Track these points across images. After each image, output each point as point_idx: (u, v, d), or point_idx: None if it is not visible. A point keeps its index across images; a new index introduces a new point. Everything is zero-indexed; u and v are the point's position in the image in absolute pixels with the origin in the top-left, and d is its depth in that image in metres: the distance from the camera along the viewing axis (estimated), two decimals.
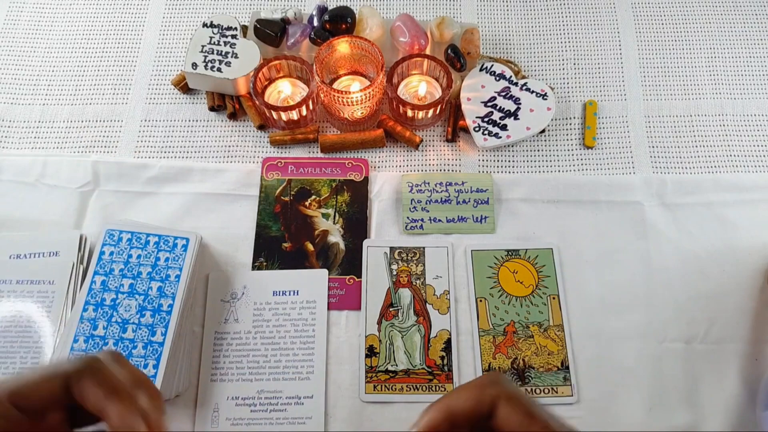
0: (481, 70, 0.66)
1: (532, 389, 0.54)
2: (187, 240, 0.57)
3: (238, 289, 0.58)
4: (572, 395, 0.54)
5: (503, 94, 0.65)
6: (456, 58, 0.66)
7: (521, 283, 0.59)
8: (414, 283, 0.59)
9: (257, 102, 0.63)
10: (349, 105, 0.62)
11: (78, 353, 0.52)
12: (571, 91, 0.69)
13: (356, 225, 0.61)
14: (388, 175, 0.64)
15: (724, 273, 0.59)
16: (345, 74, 0.67)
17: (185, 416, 0.53)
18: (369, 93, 0.61)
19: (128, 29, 0.73)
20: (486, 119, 0.64)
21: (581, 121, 0.68)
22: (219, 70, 0.64)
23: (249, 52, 0.65)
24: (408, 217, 0.61)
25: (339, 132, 0.66)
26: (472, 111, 0.64)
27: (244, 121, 0.67)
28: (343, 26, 0.66)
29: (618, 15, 0.74)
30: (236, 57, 0.65)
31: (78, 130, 0.66)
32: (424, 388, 0.55)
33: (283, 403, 0.53)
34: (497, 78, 0.66)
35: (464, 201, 0.62)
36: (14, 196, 0.62)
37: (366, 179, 0.63)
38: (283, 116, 0.63)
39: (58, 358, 0.52)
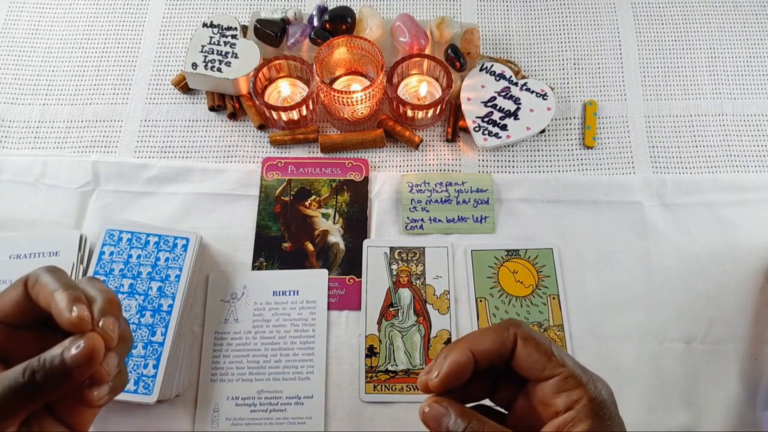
0: (481, 70, 0.66)
1: None
2: (187, 240, 0.57)
3: (238, 289, 0.58)
4: None
5: (503, 94, 0.65)
6: (456, 58, 0.66)
7: (521, 283, 0.59)
8: (414, 283, 0.59)
9: (257, 102, 0.63)
10: (349, 105, 0.62)
11: None
12: (571, 91, 0.69)
13: (356, 225, 0.61)
14: (388, 175, 0.64)
15: (724, 273, 0.59)
16: (345, 74, 0.67)
17: (185, 416, 0.53)
18: (369, 93, 0.61)
19: (128, 29, 0.73)
20: (486, 119, 0.64)
21: (581, 121, 0.68)
22: (219, 70, 0.64)
23: (249, 52, 0.65)
24: (408, 217, 0.61)
25: (339, 132, 0.66)
26: (472, 111, 0.64)
27: (244, 121, 0.67)
28: (343, 26, 0.66)
29: (618, 15, 0.74)
30: (236, 57, 0.65)
31: (78, 130, 0.66)
32: None
33: (283, 403, 0.53)
34: (497, 78, 0.66)
35: (464, 201, 0.62)
36: (14, 196, 0.62)
37: (366, 179, 0.63)
38: (283, 116, 0.63)
39: None
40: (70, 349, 0.30)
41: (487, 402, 0.37)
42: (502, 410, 0.37)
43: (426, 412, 0.32)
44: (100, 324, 0.32)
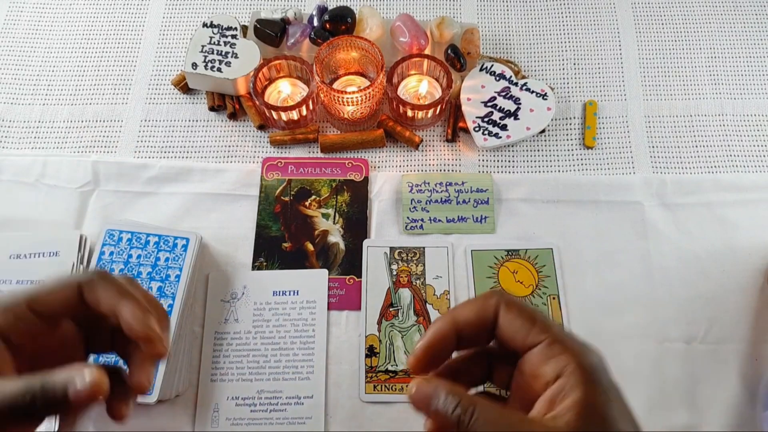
0: (481, 70, 0.66)
1: None
2: (187, 240, 0.57)
3: (238, 289, 0.58)
4: None
5: (503, 94, 0.65)
6: (456, 58, 0.66)
7: (521, 283, 0.59)
8: (414, 283, 0.59)
9: (257, 102, 0.63)
10: (349, 105, 0.62)
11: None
12: (571, 91, 0.69)
13: (356, 225, 0.61)
14: (388, 175, 0.64)
15: (724, 273, 0.59)
16: (345, 74, 0.67)
17: (185, 416, 0.53)
18: (369, 93, 0.61)
19: (128, 29, 0.73)
20: (486, 119, 0.64)
21: (581, 121, 0.68)
22: (219, 70, 0.64)
23: (249, 52, 0.65)
24: (408, 217, 0.61)
25: (339, 132, 0.66)
26: (472, 111, 0.64)
27: (244, 121, 0.67)
28: (343, 26, 0.66)
29: (618, 15, 0.74)
30: (236, 57, 0.65)
31: (78, 130, 0.66)
32: None
33: (283, 403, 0.53)
34: (497, 78, 0.66)
35: (464, 201, 0.62)
36: (14, 196, 0.62)
37: (366, 179, 0.63)
38: (283, 116, 0.63)
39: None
40: (75, 383, 0.30)
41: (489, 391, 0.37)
42: (503, 395, 0.35)
43: (413, 393, 0.30)
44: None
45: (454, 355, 0.34)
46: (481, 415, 0.28)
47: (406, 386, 0.54)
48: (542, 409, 0.29)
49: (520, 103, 0.65)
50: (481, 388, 0.36)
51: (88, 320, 0.36)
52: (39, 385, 0.30)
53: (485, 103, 0.65)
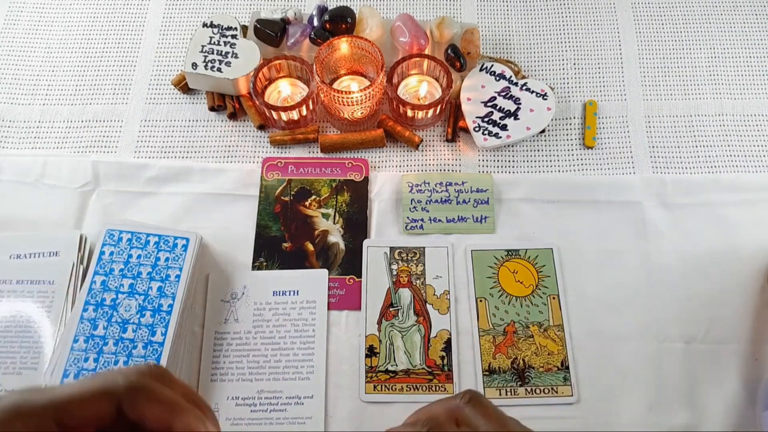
0: (481, 70, 0.66)
1: (532, 389, 0.54)
2: (187, 240, 0.57)
3: (238, 289, 0.58)
4: (572, 395, 0.54)
5: (503, 94, 0.65)
6: (456, 58, 0.66)
7: (521, 283, 0.59)
8: (414, 283, 0.59)
9: (257, 102, 0.63)
10: (349, 105, 0.62)
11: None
12: (571, 91, 0.69)
13: (356, 225, 0.61)
14: (388, 175, 0.64)
15: (724, 273, 0.59)
16: (345, 74, 0.67)
17: None
18: (369, 93, 0.61)
19: (128, 29, 0.73)
20: (486, 119, 0.64)
21: (581, 121, 0.68)
22: (219, 70, 0.64)
23: (249, 52, 0.65)
24: (408, 217, 0.61)
25: (339, 132, 0.66)
26: (472, 111, 0.64)
27: (244, 121, 0.67)
28: (343, 26, 0.66)
29: (618, 15, 0.74)
30: (236, 57, 0.65)
31: (78, 130, 0.66)
32: (424, 388, 0.54)
33: (283, 403, 0.53)
34: (497, 78, 0.66)
35: (464, 201, 0.62)
36: (14, 196, 0.62)
37: (366, 179, 0.63)
38: (283, 116, 0.63)
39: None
40: None
41: None
42: None
43: None
44: None
45: None
46: None
47: (406, 386, 0.55)
48: None
49: (520, 103, 0.65)
50: None
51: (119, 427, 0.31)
52: None
53: (485, 103, 0.65)
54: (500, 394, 0.54)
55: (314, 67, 0.61)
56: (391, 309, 0.58)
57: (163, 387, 0.31)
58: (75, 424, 0.28)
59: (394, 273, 0.59)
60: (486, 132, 0.63)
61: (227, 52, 0.65)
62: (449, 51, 0.66)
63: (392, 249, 0.60)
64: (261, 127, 0.66)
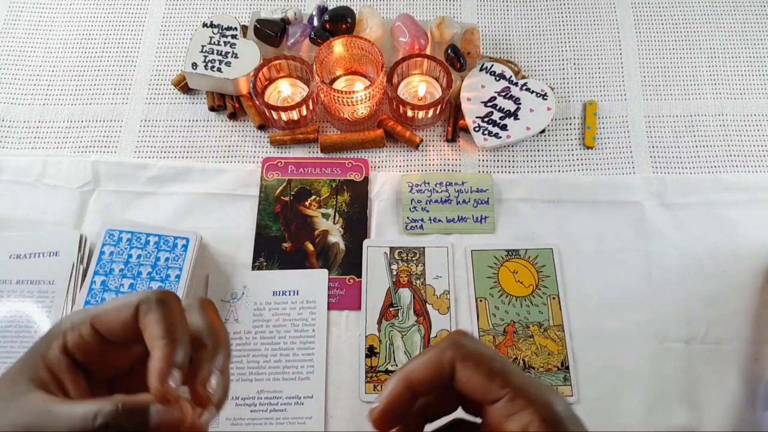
0: (481, 70, 0.66)
1: None
2: (187, 240, 0.57)
3: (238, 289, 0.58)
4: (572, 395, 0.54)
5: (503, 94, 0.65)
6: (456, 58, 0.66)
7: (521, 283, 0.59)
8: (414, 283, 0.59)
9: (257, 102, 0.63)
10: (349, 105, 0.62)
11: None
12: (571, 91, 0.69)
13: (356, 225, 0.61)
14: (388, 175, 0.64)
15: (724, 273, 0.59)
16: (345, 74, 0.67)
17: None
18: (369, 93, 0.61)
19: (128, 29, 0.73)
20: (486, 119, 0.64)
21: (581, 121, 0.68)
22: (219, 70, 0.64)
23: (249, 52, 0.65)
24: (408, 217, 0.61)
25: (339, 132, 0.66)
26: (472, 111, 0.64)
27: (244, 121, 0.67)
28: (343, 26, 0.66)
29: (618, 15, 0.74)
30: (236, 57, 0.65)
31: (78, 130, 0.66)
32: None
33: (283, 403, 0.53)
34: (497, 78, 0.66)
35: (464, 201, 0.62)
36: (14, 196, 0.62)
37: (366, 179, 0.63)
38: (283, 116, 0.63)
39: None
40: (158, 407, 0.27)
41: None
42: (476, 420, 0.34)
43: None
44: (206, 385, 0.29)
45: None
46: None
47: None
48: None
49: (520, 103, 0.65)
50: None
51: None
52: (111, 409, 0.26)
53: (485, 103, 0.65)
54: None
55: (314, 67, 0.61)
56: (391, 309, 0.58)
57: (172, 313, 0.30)
58: (105, 330, 0.31)
59: (394, 273, 0.59)
60: (486, 132, 0.63)
61: (227, 52, 0.65)
62: (449, 51, 0.66)
63: (392, 249, 0.60)
64: (261, 127, 0.66)
